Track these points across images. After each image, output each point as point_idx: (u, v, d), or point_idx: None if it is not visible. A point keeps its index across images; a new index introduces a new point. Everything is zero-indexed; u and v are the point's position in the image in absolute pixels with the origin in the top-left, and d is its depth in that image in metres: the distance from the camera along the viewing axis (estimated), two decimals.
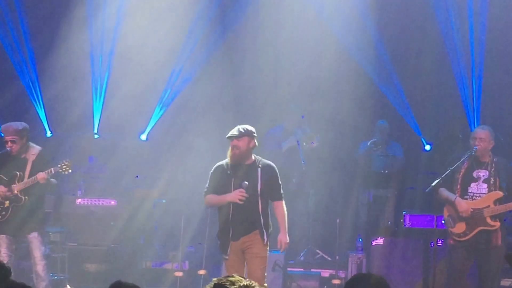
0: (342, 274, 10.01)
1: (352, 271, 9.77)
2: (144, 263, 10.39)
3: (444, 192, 8.06)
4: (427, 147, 11.45)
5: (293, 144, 10.93)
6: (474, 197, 8.00)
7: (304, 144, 10.89)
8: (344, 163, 11.38)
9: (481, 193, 7.98)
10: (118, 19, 11.59)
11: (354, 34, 11.42)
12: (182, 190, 10.59)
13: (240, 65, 11.69)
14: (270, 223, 7.48)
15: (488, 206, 7.90)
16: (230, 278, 3.57)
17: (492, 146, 8.09)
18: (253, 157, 7.47)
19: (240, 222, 7.35)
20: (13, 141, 8.37)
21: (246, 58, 11.66)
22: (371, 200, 10.63)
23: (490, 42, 11.11)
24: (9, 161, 8.48)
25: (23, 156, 8.49)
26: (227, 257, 7.42)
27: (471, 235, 7.95)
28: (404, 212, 9.74)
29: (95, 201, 10.32)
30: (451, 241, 8.11)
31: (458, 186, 8.02)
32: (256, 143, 7.46)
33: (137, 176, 11.14)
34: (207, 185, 7.54)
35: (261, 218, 7.36)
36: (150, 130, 11.87)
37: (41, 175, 8.31)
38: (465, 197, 8.01)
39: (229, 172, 7.42)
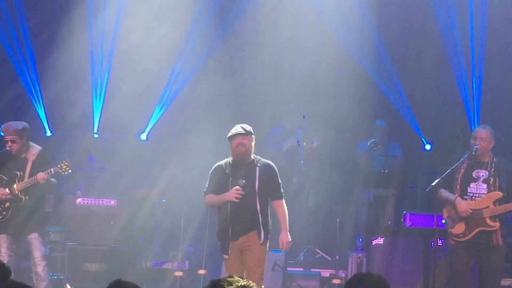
0: (342, 274, 10.01)
1: (352, 271, 9.77)
2: (144, 263, 10.39)
3: (444, 193, 8.05)
4: (427, 147, 11.45)
5: (293, 144, 10.93)
6: (473, 197, 7.98)
7: (305, 144, 10.90)
8: (344, 163, 11.37)
9: (481, 193, 7.97)
10: (118, 19, 11.59)
11: (354, 34, 11.42)
12: (182, 190, 10.59)
13: (240, 65, 11.69)
14: (270, 222, 7.47)
15: (488, 207, 7.89)
16: (228, 279, 3.57)
17: (493, 146, 8.08)
18: (252, 156, 7.48)
19: (239, 222, 7.35)
20: (13, 141, 8.36)
21: (246, 58, 11.66)
22: (371, 200, 10.62)
23: (490, 42, 11.11)
24: (9, 161, 8.48)
25: (23, 156, 8.49)
26: (226, 257, 7.42)
27: (470, 235, 7.94)
28: (404, 212, 9.73)
29: (95, 201, 10.32)
30: (451, 242, 8.10)
31: (458, 186, 8.01)
32: (254, 142, 7.48)
33: (137, 176, 11.16)
34: (206, 185, 7.55)
35: (260, 217, 7.36)
36: (150, 130, 11.87)
37: (41, 175, 8.30)
38: (465, 197, 7.99)
39: (227, 171, 7.43)
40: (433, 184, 7.88)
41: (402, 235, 9.68)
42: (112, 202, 10.32)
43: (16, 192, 8.39)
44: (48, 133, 11.78)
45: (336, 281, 9.82)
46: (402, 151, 11.23)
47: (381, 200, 10.81)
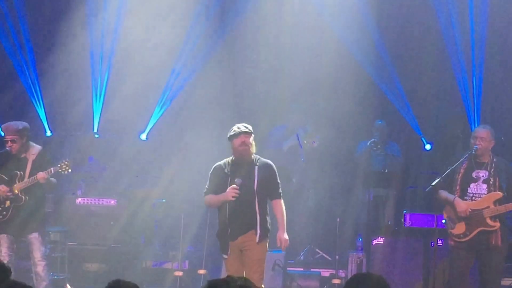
0: (342, 273, 10.01)
1: (352, 270, 9.76)
2: (144, 262, 10.39)
3: (443, 194, 8.05)
4: (428, 147, 11.44)
5: (293, 143, 10.92)
6: (473, 198, 7.98)
7: (305, 142, 10.88)
8: (344, 163, 11.37)
9: (481, 194, 7.96)
10: (118, 19, 11.59)
11: (354, 34, 11.42)
12: (182, 190, 10.59)
13: (240, 65, 11.69)
14: (269, 222, 7.47)
15: (488, 207, 7.88)
16: (225, 279, 3.58)
17: (493, 146, 8.08)
18: (252, 156, 7.48)
19: (238, 222, 7.34)
20: (13, 141, 8.36)
21: (246, 57, 11.66)
22: (371, 200, 10.61)
23: (491, 41, 11.11)
24: (9, 161, 8.48)
25: (23, 155, 8.49)
26: (226, 257, 7.41)
27: (471, 236, 7.93)
28: (404, 212, 9.73)
29: (95, 201, 10.32)
30: (452, 242, 8.09)
31: (457, 187, 8.00)
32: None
33: (137, 176, 11.15)
34: (206, 186, 7.55)
35: (259, 217, 7.35)
36: (150, 130, 11.87)
37: (41, 175, 8.30)
38: (465, 197, 7.99)
39: (227, 171, 7.42)
40: (433, 183, 7.88)
41: (402, 235, 9.67)
42: (112, 202, 10.32)
43: (16, 192, 8.39)
44: (48, 133, 11.79)
45: (336, 281, 9.81)
46: (402, 151, 11.23)
47: (381, 200, 10.82)
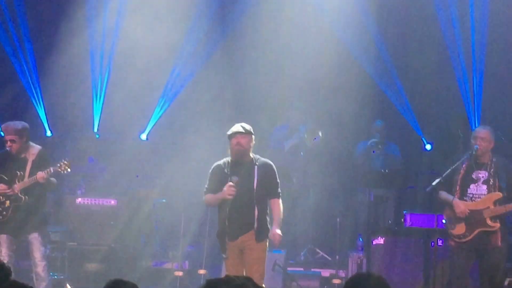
0: (342, 273, 10.01)
1: (352, 270, 9.77)
2: (144, 262, 10.39)
3: (443, 194, 8.05)
4: (428, 147, 11.44)
5: (295, 142, 10.91)
6: (473, 199, 7.97)
7: (306, 138, 10.84)
8: (344, 163, 11.37)
9: (481, 194, 7.96)
10: (118, 19, 11.59)
11: (354, 34, 11.42)
12: (182, 190, 10.58)
13: (240, 65, 11.69)
14: (269, 221, 7.46)
15: (488, 207, 7.88)
16: (223, 278, 3.58)
17: (492, 146, 8.07)
18: (251, 156, 7.47)
19: (237, 221, 7.34)
20: (12, 141, 8.36)
21: (246, 57, 11.65)
22: (371, 200, 10.61)
23: (491, 41, 11.10)
24: (9, 161, 8.48)
25: (23, 155, 8.48)
26: (226, 257, 7.41)
27: (471, 236, 7.93)
28: (404, 212, 9.72)
29: (95, 200, 10.32)
30: (452, 243, 8.09)
31: (457, 188, 8.00)
32: (254, 142, 7.47)
33: (137, 176, 11.14)
34: (206, 185, 7.54)
35: (258, 216, 7.34)
36: (150, 130, 11.87)
37: (40, 175, 8.30)
38: (464, 198, 7.99)
39: (226, 171, 7.42)
40: (433, 183, 7.88)
41: (403, 235, 9.67)
42: (112, 202, 10.32)
43: (16, 191, 8.39)
44: (48, 133, 11.78)
45: (336, 281, 9.81)
46: (401, 151, 11.22)
47: (381, 200, 10.81)
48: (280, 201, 7.52)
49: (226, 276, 3.66)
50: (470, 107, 11.20)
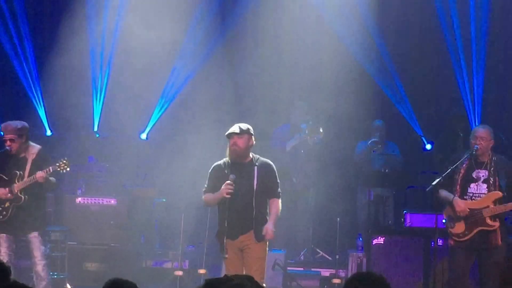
0: (342, 273, 10.00)
1: (352, 270, 9.76)
2: (144, 262, 10.39)
3: (443, 193, 8.05)
4: (428, 146, 11.44)
5: (297, 142, 10.91)
6: (473, 198, 7.97)
7: (309, 138, 10.83)
8: (344, 163, 11.36)
9: (481, 193, 7.95)
10: (118, 19, 11.60)
11: (354, 34, 11.43)
12: (182, 190, 10.58)
13: (240, 64, 11.69)
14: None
15: (488, 207, 7.88)
16: (223, 278, 3.58)
17: (492, 145, 8.07)
18: (250, 156, 7.46)
19: (237, 221, 7.33)
20: (12, 140, 8.35)
21: (246, 57, 11.66)
22: (371, 199, 10.61)
23: (492, 41, 11.11)
24: (8, 160, 8.47)
25: (22, 155, 8.47)
26: (226, 257, 7.41)
27: (470, 235, 7.93)
28: (404, 211, 9.73)
29: (95, 200, 10.32)
30: (451, 242, 8.08)
31: (458, 187, 7.99)
32: (254, 142, 7.45)
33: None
34: (206, 185, 7.54)
35: (258, 216, 7.34)
36: (150, 129, 11.88)
37: (40, 174, 8.29)
38: (465, 197, 7.98)
39: (226, 171, 7.40)
40: (433, 183, 7.88)
41: (402, 235, 9.67)
42: (112, 201, 10.32)
43: (16, 191, 8.38)
44: (48, 133, 11.79)
45: (336, 281, 9.80)
46: (400, 151, 11.22)
47: (381, 200, 10.81)
48: (280, 201, 7.51)
49: (225, 276, 3.67)
50: (470, 107, 11.21)
